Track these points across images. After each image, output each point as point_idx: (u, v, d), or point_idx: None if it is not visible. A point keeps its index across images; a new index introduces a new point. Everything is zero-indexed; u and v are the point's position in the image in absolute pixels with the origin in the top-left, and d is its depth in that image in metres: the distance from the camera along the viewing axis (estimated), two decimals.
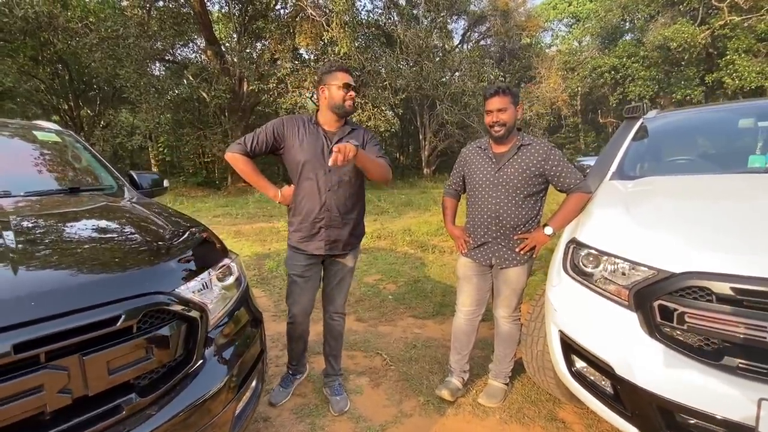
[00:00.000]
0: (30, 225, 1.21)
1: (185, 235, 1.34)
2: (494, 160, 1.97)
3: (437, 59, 17.93)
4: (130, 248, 1.17)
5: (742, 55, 17.80)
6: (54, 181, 1.83)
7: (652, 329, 1.21)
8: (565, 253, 1.61)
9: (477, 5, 21.88)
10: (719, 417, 1.06)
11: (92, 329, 0.86)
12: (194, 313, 1.08)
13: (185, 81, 15.92)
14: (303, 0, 12.88)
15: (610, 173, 2.28)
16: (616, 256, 1.36)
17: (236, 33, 16.74)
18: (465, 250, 2.10)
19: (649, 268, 1.24)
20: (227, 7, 16.82)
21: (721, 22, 18.34)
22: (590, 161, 2.66)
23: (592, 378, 1.44)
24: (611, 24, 23.79)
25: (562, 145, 25.89)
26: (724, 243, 1.19)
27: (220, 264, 1.32)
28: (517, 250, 1.94)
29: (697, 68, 20.54)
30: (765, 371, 1.04)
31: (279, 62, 14.50)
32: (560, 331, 1.53)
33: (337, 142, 1.76)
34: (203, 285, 1.19)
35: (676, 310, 1.15)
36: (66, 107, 19.28)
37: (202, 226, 1.51)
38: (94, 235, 1.23)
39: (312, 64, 14.76)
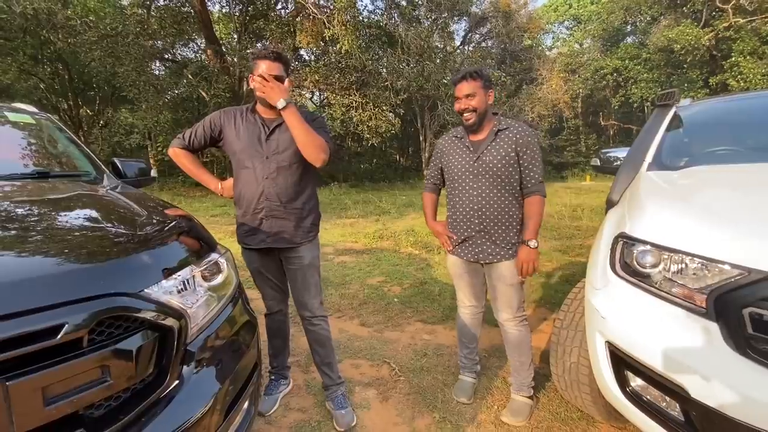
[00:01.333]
0: None
1: (163, 225, 1.10)
2: (472, 148, 1.85)
3: (438, 60, 17.83)
4: (90, 239, 0.93)
5: (747, 58, 17.67)
6: (19, 165, 1.60)
7: (741, 344, 0.97)
8: (612, 251, 1.38)
9: (478, 6, 21.81)
10: None
11: (18, 344, 0.63)
12: (170, 321, 0.85)
13: (184, 80, 15.75)
14: None
15: (646, 164, 2.05)
16: (684, 253, 1.13)
17: (236, 32, 16.63)
18: (450, 247, 1.99)
19: (734, 266, 1.01)
20: (228, 7, 16.71)
21: (726, 24, 18.22)
22: (619, 152, 2.44)
23: (649, 398, 1.20)
24: (613, 26, 23.72)
25: (563, 147, 25.76)
26: None
27: (207, 259, 1.09)
28: (519, 277, 1.80)
29: (701, 70, 20.42)
30: None
31: None
32: (608, 343, 1.29)
33: (274, 129, 1.74)
34: (183, 284, 0.95)
35: None
36: (65, 106, 19.14)
37: (186, 215, 1.27)
38: (47, 224, 0.99)
39: (312, 64, 14.61)
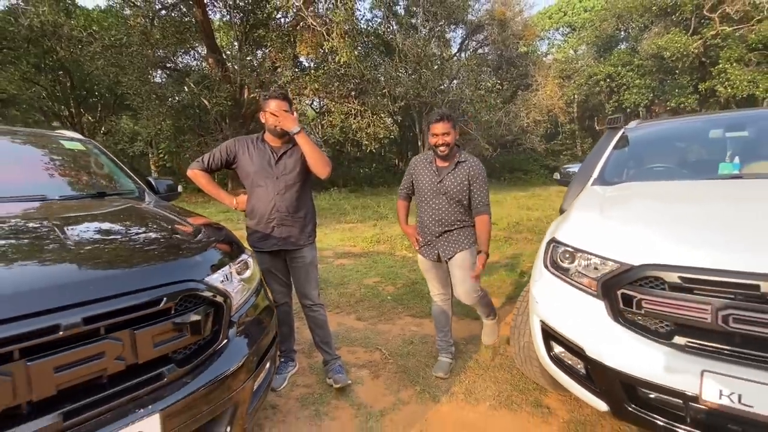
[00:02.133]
0: (74, 225, 1.39)
1: (208, 233, 1.52)
2: (437, 172, 2.35)
3: (435, 67, 18.20)
4: (165, 243, 1.35)
5: (734, 64, 18.14)
6: (83, 186, 2.01)
7: (617, 315, 1.39)
8: (546, 251, 1.79)
9: (474, 15, 22.23)
10: (670, 387, 1.24)
11: (140, 309, 1.04)
12: (220, 299, 1.26)
13: (186, 88, 16.15)
14: (303, 10, 13.15)
15: (592, 179, 2.47)
16: (589, 253, 1.55)
17: (237, 41, 17.01)
18: (417, 247, 2.50)
19: (614, 261, 1.42)
20: (229, 16, 17.12)
21: (713, 32, 18.74)
22: (576, 168, 2.85)
23: (569, 362, 1.61)
24: (606, 33, 24.23)
25: (560, 152, 26.21)
26: (677, 239, 1.38)
27: (239, 259, 1.50)
28: (471, 277, 2.32)
29: (691, 76, 20.89)
30: (706, 348, 1.22)
31: (279, 70, 14.74)
32: (541, 321, 1.70)
33: (281, 155, 2.15)
34: (225, 276, 1.36)
35: (635, 297, 1.33)
36: (67, 113, 19.55)
37: (218, 225, 1.69)
38: (131, 232, 1.41)
39: (312, 72, 15.00)
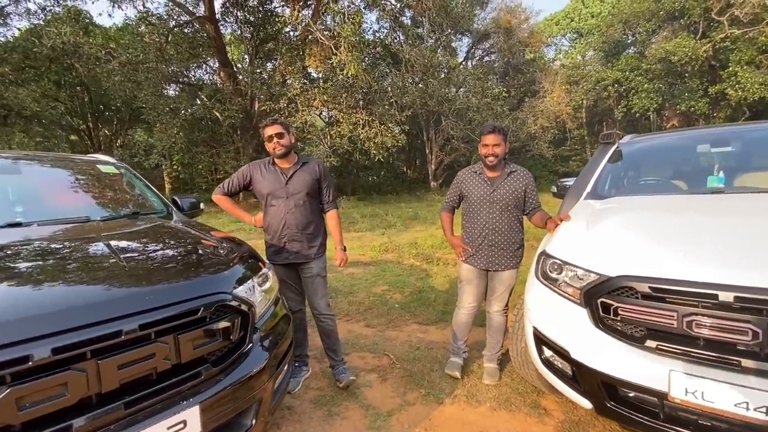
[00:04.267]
0: (119, 244, 1.60)
1: (233, 249, 1.73)
2: (489, 182, 2.44)
3: (442, 76, 18.39)
4: (199, 260, 1.56)
5: (744, 67, 18.03)
6: (119, 207, 2.25)
7: (597, 321, 1.54)
8: (537, 263, 1.95)
9: (480, 23, 22.50)
10: (643, 386, 1.39)
11: (182, 317, 1.24)
12: (246, 308, 1.45)
13: (198, 101, 16.64)
14: (312, 25, 13.53)
15: (585, 193, 2.62)
16: (574, 265, 1.71)
17: (248, 55, 17.51)
18: (464, 257, 2.55)
19: (595, 273, 1.58)
20: (240, 31, 17.65)
21: (722, 35, 18.66)
22: (571, 182, 3.00)
23: (557, 364, 1.76)
24: (613, 38, 24.25)
25: (569, 157, 26.11)
26: (649, 252, 1.54)
27: (260, 273, 1.70)
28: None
29: (701, 80, 20.76)
30: (673, 350, 1.37)
31: (289, 82, 15.12)
32: (534, 327, 1.86)
33: (291, 175, 2.40)
34: (250, 288, 1.56)
35: (612, 305, 1.49)
36: (84, 127, 20.27)
37: (239, 240, 1.90)
38: (168, 250, 1.62)
39: (321, 84, 15.33)
